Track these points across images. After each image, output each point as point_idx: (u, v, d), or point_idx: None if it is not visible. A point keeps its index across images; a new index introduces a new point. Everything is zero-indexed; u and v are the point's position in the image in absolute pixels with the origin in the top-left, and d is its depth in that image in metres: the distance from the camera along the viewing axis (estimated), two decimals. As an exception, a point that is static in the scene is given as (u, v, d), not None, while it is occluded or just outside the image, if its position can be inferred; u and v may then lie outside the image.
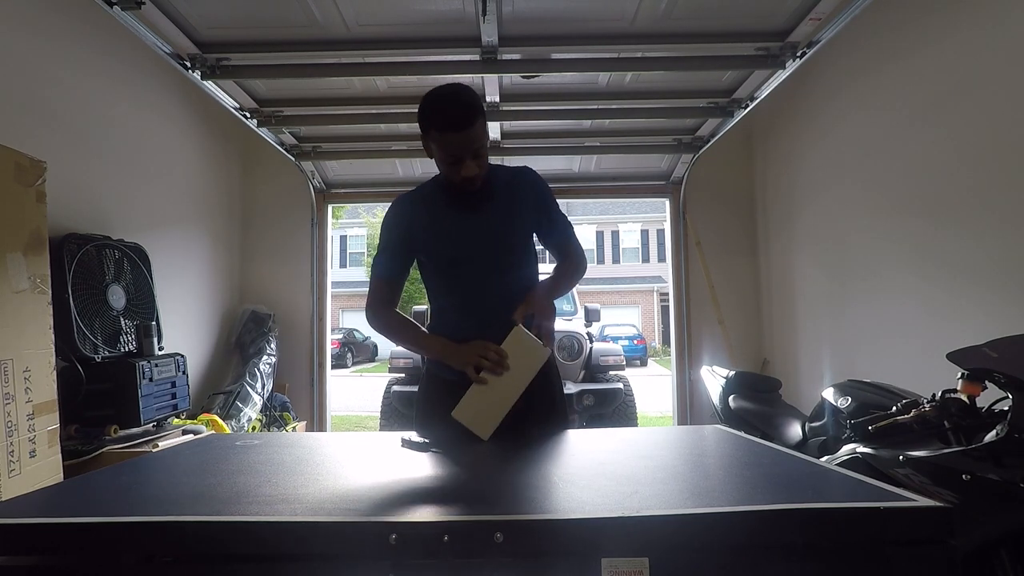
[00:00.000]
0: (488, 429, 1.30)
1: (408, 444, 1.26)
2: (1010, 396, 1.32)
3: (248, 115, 3.41)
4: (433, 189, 1.54)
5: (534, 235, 1.60)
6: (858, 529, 0.78)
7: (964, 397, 1.43)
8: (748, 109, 3.36)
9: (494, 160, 4.18)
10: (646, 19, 2.58)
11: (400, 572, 0.74)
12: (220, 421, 3.53)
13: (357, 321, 20.42)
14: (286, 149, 4.02)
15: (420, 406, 1.65)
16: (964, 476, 1.29)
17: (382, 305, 1.53)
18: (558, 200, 1.64)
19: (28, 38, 2.56)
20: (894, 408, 1.53)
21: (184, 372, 3.07)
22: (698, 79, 3.27)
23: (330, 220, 4.81)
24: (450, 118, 1.32)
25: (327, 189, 4.63)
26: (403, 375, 4.81)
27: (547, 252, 1.71)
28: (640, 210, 20.88)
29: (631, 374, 5.29)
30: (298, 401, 4.52)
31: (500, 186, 1.52)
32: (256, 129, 3.55)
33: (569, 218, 1.66)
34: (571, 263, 1.62)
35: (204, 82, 2.84)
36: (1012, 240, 2.21)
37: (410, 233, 1.50)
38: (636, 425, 4.82)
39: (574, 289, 6.23)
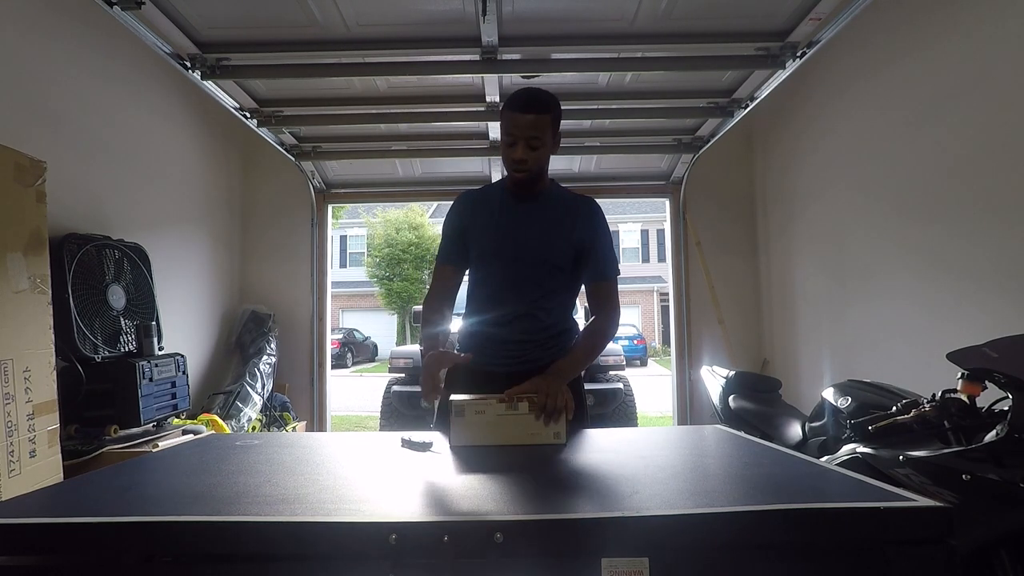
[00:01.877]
0: (461, 443, 1.27)
1: (408, 444, 1.26)
2: (1010, 396, 1.32)
3: (248, 115, 3.41)
4: (497, 189, 1.67)
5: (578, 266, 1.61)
6: (858, 529, 0.77)
7: (964, 397, 1.43)
8: (748, 109, 3.36)
9: (495, 161, 4.14)
10: (646, 19, 2.58)
11: (400, 572, 0.74)
12: (220, 421, 3.53)
13: (357, 321, 20.43)
14: (286, 149, 4.02)
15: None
16: (964, 476, 1.29)
17: (435, 292, 1.65)
18: None
19: (28, 38, 2.56)
20: (894, 408, 1.53)
21: (184, 372, 3.07)
22: (698, 79, 3.27)
23: (330, 220, 4.81)
24: (518, 100, 1.48)
25: (327, 189, 4.63)
26: (403, 375, 4.80)
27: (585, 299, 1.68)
28: (640, 210, 20.88)
29: (631, 374, 5.28)
30: (298, 401, 4.52)
31: (559, 202, 1.61)
32: (256, 129, 3.55)
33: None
34: (601, 327, 1.59)
35: (204, 82, 2.85)
36: (1012, 240, 2.21)
37: (464, 222, 1.63)
38: (636, 425, 4.82)
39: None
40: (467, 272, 1.69)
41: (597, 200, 1.66)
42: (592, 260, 1.60)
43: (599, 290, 1.62)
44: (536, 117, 1.46)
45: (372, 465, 1.12)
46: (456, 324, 1.70)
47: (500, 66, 2.90)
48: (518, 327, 1.58)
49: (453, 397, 1.31)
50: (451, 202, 1.71)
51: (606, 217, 1.63)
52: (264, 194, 4.64)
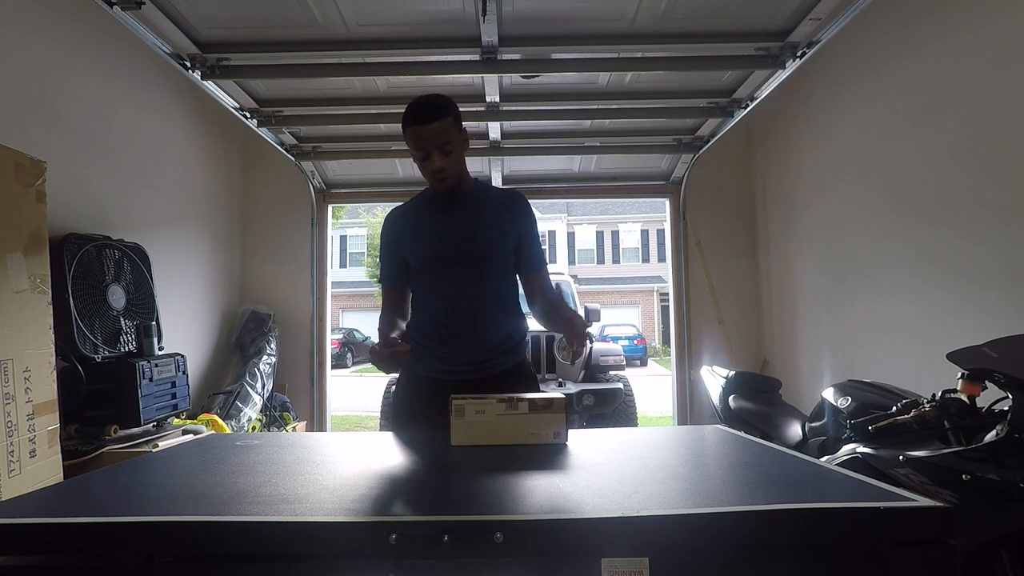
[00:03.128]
0: (460, 442, 1.27)
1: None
2: (1010, 396, 1.32)
3: (248, 115, 3.41)
4: (420, 199, 1.68)
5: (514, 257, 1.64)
6: (858, 529, 0.77)
7: (964, 397, 1.43)
8: (748, 109, 3.36)
9: (495, 161, 4.14)
10: (646, 19, 2.58)
11: (400, 572, 0.74)
12: (220, 421, 3.53)
13: (357, 321, 20.42)
14: (286, 149, 4.02)
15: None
16: (964, 476, 1.29)
17: (386, 308, 1.67)
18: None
19: (28, 38, 2.56)
20: (894, 408, 1.53)
21: (184, 372, 3.07)
22: (698, 79, 3.27)
23: (330, 220, 4.81)
24: (415, 113, 1.47)
25: (327, 189, 4.63)
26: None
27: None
28: (640, 210, 20.87)
29: (631, 374, 5.28)
30: (298, 401, 4.52)
31: (484, 200, 1.62)
32: (256, 129, 3.55)
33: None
34: (555, 297, 1.61)
35: (204, 82, 2.85)
36: (1012, 240, 2.21)
37: (397, 240, 1.64)
38: (636, 425, 4.82)
39: (574, 290, 6.26)
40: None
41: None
42: (524, 254, 1.62)
43: (535, 282, 1.63)
44: (439, 124, 1.46)
45: (372, 465, 1.12)
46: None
47: (500, 66, 2.90)
48: (469, 329, 1.58)
49: (453, 397, 1.31)
50: None
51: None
52: (264, 194, 4.64)
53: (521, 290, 1.68)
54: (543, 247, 1.70)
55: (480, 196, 1.62)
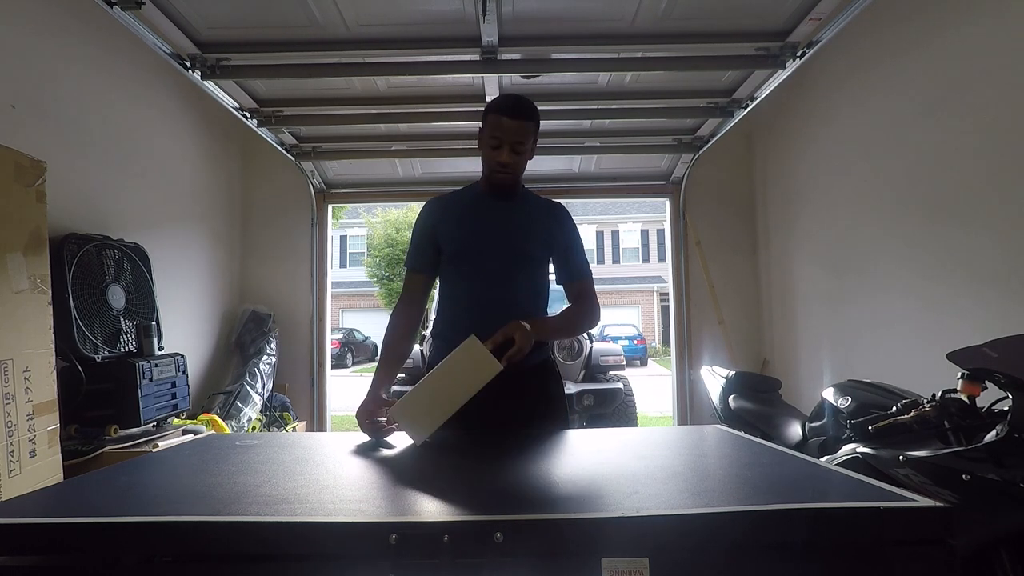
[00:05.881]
0: (423, 433, 1.29)
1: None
2: (1010, 396, 1.32)
3: (248, 115, 3.41)
4: (466, 192, 1.69)
5: (550, 266, 1.69)
6: (858, 529, 0.78)
7: (964, 397, 1.43)
8: (748, 109, 3.36)
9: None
10: (646, 19, 2.58)
11: (400, 572, 0.74)
12: (220, 421, 3.53)
13: (357, 321, 20.42)
14: (286, 149, 4.02)
15: None
16: (964, 476, 1.29)
17: (405, 300, 1.66)
18: (559, 200, 1.70)
19: (28, 38, 2.56)
20: (894, 408, 1.53)
21: (184, 372, 3.07)
22: (698, 79, 3.27)
23: (330, 220, 4.81)
24: (507, 104, 1.52)
25: (327, 189, 4.63)
26: (403, 375, 4.80)
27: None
28: (640, 210, 20.88)
29: (631, 374, 5.29)
30: (298, 401, 4.52)
31: (528, 205, 1.66)
32: (256, 129, 3.55)
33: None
34: (581, 310, 1.65)
35: (204, 82, 2.85)
36: (1012, 239, 2.21)
37: (435, 227, 1.64)
38: (636, 425, 4.82)
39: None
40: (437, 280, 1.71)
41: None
42: (569, 261, 1.66)
43: (578, 288, 1.67)
44: (524, 123, 1.50)
45: (372, 465, 1.12)
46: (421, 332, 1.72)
47: (500, 66, 2.90)
48: (495, 324, 1.56)
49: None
50: None
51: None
52: (264, 194, 4.64)
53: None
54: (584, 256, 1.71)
55: (525, 201, 1.66)
